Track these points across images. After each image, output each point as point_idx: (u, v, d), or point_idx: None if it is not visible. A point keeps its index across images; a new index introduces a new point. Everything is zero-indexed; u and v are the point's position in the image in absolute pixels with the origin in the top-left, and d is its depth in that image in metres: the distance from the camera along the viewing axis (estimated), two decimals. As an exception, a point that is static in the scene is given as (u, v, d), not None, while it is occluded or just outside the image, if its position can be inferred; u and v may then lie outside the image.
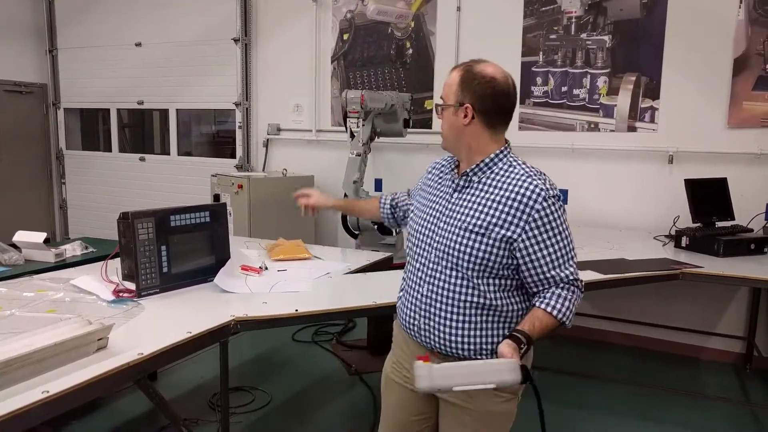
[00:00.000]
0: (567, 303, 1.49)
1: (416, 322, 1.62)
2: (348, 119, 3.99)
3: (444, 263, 1.55)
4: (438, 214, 1.60)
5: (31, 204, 6.42)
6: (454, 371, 1.37)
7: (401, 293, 1.73)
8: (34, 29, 6.31)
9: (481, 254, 1.49)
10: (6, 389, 1.34)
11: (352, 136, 4.07)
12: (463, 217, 1.53)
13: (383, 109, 4.05)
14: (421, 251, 1.62)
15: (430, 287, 1.58)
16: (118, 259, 2.30)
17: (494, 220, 1.49)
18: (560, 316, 1.48)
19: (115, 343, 1.65)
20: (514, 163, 1.56)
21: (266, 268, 2.63)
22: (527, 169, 1.53)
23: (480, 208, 1.52)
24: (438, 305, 1.56)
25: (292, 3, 5.17)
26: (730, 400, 3.42)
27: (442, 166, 1.72)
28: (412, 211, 1.74)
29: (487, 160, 1.56)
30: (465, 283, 1.52)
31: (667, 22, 3.90)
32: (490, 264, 1.50)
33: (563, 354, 4.09)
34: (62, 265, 2.84)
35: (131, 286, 2.19)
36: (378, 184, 4.93)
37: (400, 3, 4.75)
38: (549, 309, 1.48)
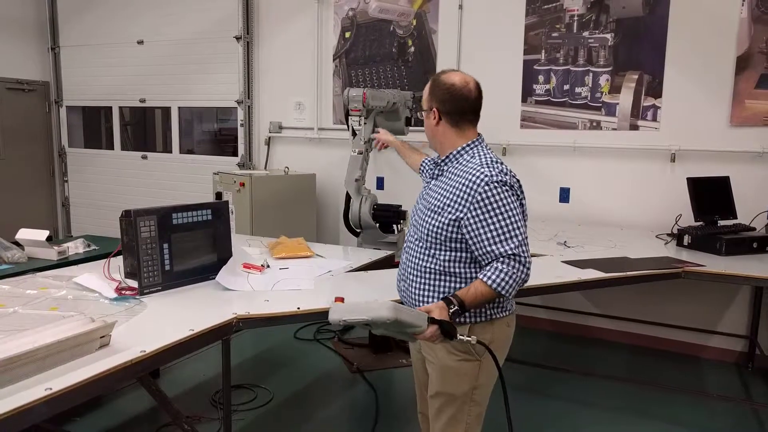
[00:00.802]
0: (502, 275, 1.68)
1: (399, 285, 1.97)
2: (350, 117, 3.99)
3: (415, 237, 1.88)
4: (420, 199, 1.95)
5: (34, 202, 6.44)
6: (345, 308, 1.63)
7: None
8: (36, 27, 6.32)
9: (435, 229, 1.78)
10: (9, 386, 1.35)
11: (354, 134, 4.07)
12: (431, 200, 1.84)
13: (385, 107, 4.05)
14: (411, 229, 1.95)
15: (407, 257, 1.91)
16: (121, 256, 2.30)
17: (448, 202, 1.77)
18: (494, 285, 1.67)
19: (117, 340, 1.65)
20: (478, 155, 1.82)
21: (268, 266, 2.64)
22: (484, 159, 1.79)
23: (442, 192, 1.82)
24: (410, 270, 1.88)
25: (294, 1, 5.17)
26: (733, 398, 3.42)
27: (431, 160, 2.10)
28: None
29: (454, 152, 1.86)
30: (427, 252, 1.82)
31: (669, 20, 3.90)
32: (441, 238, 1.77)
33: (565, 352, 4.09)
34: (65, 262, 2.86)
35: (134, 283, 2.20)
36: (380, 182, 4.93)
37: (402, 1, 4.75)
38: (485, 279, 1.69)
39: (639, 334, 4.19)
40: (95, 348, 1.58)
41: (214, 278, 2.34)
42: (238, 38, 5.34)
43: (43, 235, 2.95)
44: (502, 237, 1.69)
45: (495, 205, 1.69)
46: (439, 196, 1.81)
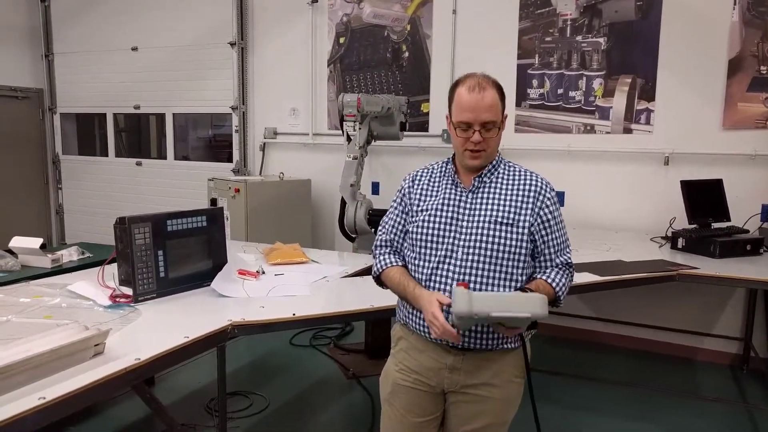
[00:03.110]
0: (564, 280, 1.70)
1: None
2: (345, 123, 4.00)
3: (474, 252, 1.64)
4: (458, 213, 1.69)
5: (27, 209, 6.40)
6: (491, 299, 1.45)
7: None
8: (30, 34, 6.30)
9: (508, 242, 1.64)
10: (2, 396, 1.34)
11: (349, 139, 4.07)
12: (492, 212, 1.66)
13: (380, 112, 4.06)
14: (446, 248, 1.67)
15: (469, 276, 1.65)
16: (115, 264, 2.30)
17: (516, 211, 1.66)
18: (558, 289, 1.67)
19: (111, 348, 1.64)
20: (509, 161, 1.77)
21: (263, 273, 2.64)
22: (519, 165, 1.76)
23: (502, 202, 1.67)
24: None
25: (288, 7, 5.18)
26: (727, 400, 3.43)
27: (425, 175, 1.81)
28: (422, 220, 1.73)
29: (496, 160, 1.73)
30: (500, 269, 1.65)
31: (662, 24, 3.92)
32: (518, 248, 1.65)
33: (560, 356, 4.09)
34: (59, 270, 2.84)
35: (128, 291, 2.19)
36: (375, 187, 4.93)
37: (396, 6, 4.77)
38: (551, 282, 1.66)
39: (634, 337, 4.20)
40: (89, 356, 1.57)
41: (209, 285, 2.33)
42: (232, 44, 5.35)
43: (36, 242, 2.94)
44: (563, 245, 1.72)
45: (557, 212, 1.71)
46: (500, 208, 1.66)
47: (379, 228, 1.86)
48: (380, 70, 4.88)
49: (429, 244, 1.69)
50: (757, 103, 3.74)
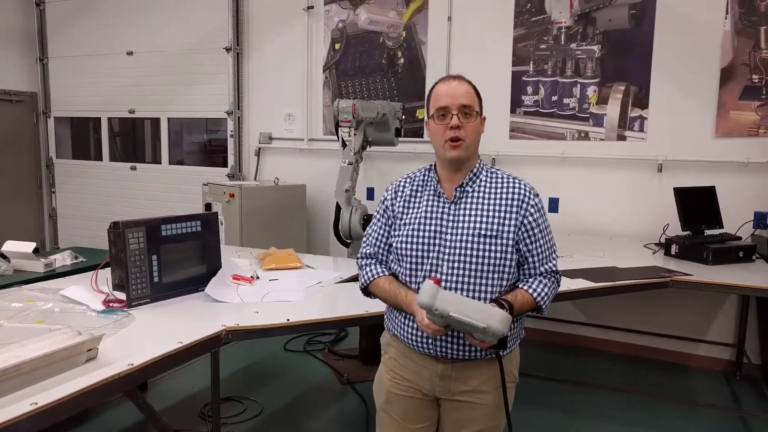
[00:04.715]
0: (547, 289, 1.68)
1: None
2: (340, 128, 4.00)
3: (459, 266, 1.63)
4: (440, 224, 1.67)
5: (21, 213, 6.37)
6: (455, 301, 1.48)
7: (405, 315, 1.70)
8: (25, 37, 6.29)
9: (493, 255, 1.62)
10: (-6, 401, 1.33)
11: (344, 145, 4.08)
12: (476, 225, 1.64)
13: (375, 118, 4.07)
14: (431, 263, 1.65)
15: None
16: (109, 268, 2.29)
17: (501, 221, 1.63)
18: (539, 299, 1.65)
19: (105, 353, 1.64)
20: (490, 167, 1.75)
21: (258, 278, 2.63)
22: (502, 170, 1.74)
23: (485, 212, 1.65)
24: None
25: (284, 12, 5.19)
26: (721, 407, 3.44)
27: (408, 185, 1.76)
28: (405, 234, 1.70)
29: (477, 166, 1.71)
30: (483, 282, 1.63)
31: (655, 33, 3.95)
32: (503, 261, 1.63)
33: (554, 361, 4.10)
34: (52, 275, 2.83)
35: (122, 296, 2.18)
36: (370, 193, 4.93)
37: (392, 13, 4.79)
38: (531, 292, 1.65)
39: (628, 343, 4.21)
40: (82, 361, 1.57)
41: (203, 290, 2.33)
42: (228, 49, 5.35)
43: (29, 247, 2.92)
44: (548, 253, 1.70)
45: (542, 219, 1.69)
46: (483, 219, 1.64)
47: (363, 240, 1.85)
48: (376, 76, 4.89)
49: (414, 260, 1.67)
50: (749, 111, 3.77)
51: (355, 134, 4.00)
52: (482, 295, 1.62)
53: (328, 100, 5.07)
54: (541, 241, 1.68)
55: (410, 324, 1.69)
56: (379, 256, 1.80)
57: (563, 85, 4.26)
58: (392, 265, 1.77)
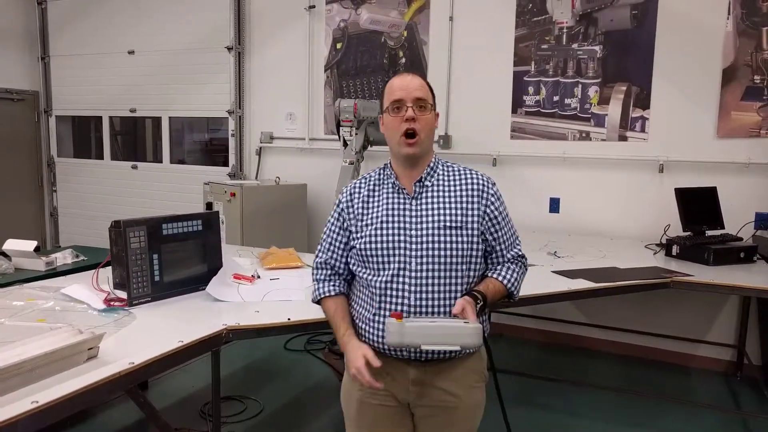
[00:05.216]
0: (516, 275, 1.71)
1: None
2: (341, 128, 4.01)
3: (427, 260, 1.60)
4: (401, 220, 1.65)
5: (22, 212, 6.38)
6: (423, 331, 1.47)
7: (375, 319, 1.64)
8: (27, 36, 6.30)
9: (459, 246, 1.61)
10: (-5, 400, 1.33)
11: (345, 144, 4.08)
12: (439, 217, 1.63)
13: (376, 117, 4.05)
14: (399, 261, 1.61)
15: (419, 288, 1.60)
16: (110, 267, 2.29)
17: (463, 212, 1.64)
18: (510, 285, 1.68)
19: (105, 352, 1.64)
20: (446, 161, 1.75)
21: (259, 277, 2.63)
22: (457, 164, 1.74)
23: (446, 205, 1.64)
24: (428, 301, 1.61)
25: (285, 12, 5.19)
26: (721, 407, 3.44)
27: (364, 186, 1.73)
28: (369, 234, 1.65)
29: (433, 161, 1.71)
30: (448, 275, 1.61)
31: (656, 33, 3.95)
32: (470, 252, 1.63)
33: (554, 362, 4.10)
34: (52, 273, 2.83)
35: (122, 294, 2.18)
36: (371, 193, 4.92)
37: (393, 12, 4.79)
38: (502, 279, 1.68)
39: (628, 344, 4.21)
40: (83, 360, 1.57)
41: (204, 289, 2.33)
42: (229, 49, 5.35)
43: (30, 245, 2.92)
44: (513, 238, 1.73)
45: (503, 207, 1.70)
46: (446, 212, 1.63)
47: (317, 248, 1.80)
48: (377, 75, 4.89)
49: (380, 259, 1.63)
50: (751, 112, 3.76)
51: (356, 134, 4.00)
52: (455, 287, 1.60)
53: (330, 99, 5.07)
54: (505, 229, 1.70)
55: (379, 329, 1.62)
56: (334, 263, 1.75)
57: (565, 85, 4.25)
58: (355, 268, 1.71)
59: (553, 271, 2.97)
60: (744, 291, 2.99)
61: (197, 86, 5.60)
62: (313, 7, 5.05)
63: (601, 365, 4.05)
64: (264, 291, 2.42)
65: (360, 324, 1.70)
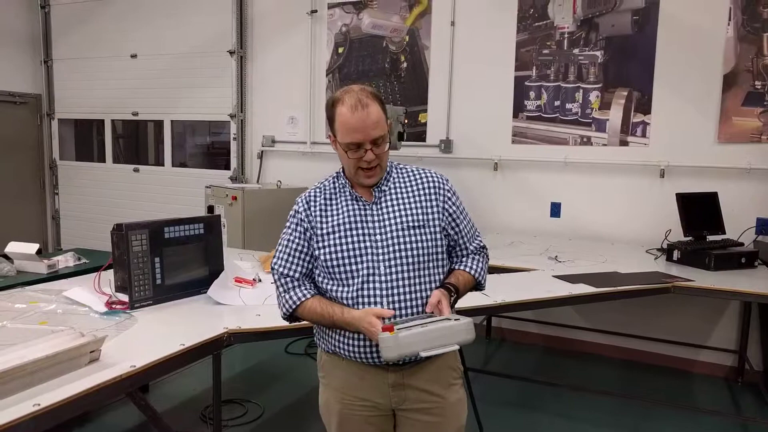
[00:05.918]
0: (482, 265, 1.76)
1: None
2: (342, 132, 4.00)
3: (396, 263, 1.60)
4: (364, 227, 1.63)
5: (24, 214, 6.39)
6: (417, 337, 1.45)
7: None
8: (30, 40, 6.32)
9: (425, 244, 1.63)
10: (-3, 402, 1.34)
11: (347, 148, 4.08)
12: (402, 219, 1.64)
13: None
14: (367, 266, 1.60)
15: (390, 291, 1.59)
16: (111, 270, 2.30)
17: (424, 211, 1.66)
18: (478, 276, 1.73)
19: (107, 355, 1.64)
20: (399, 164, 1.77)
21: (260, 280, 2.64)
22: (410, 165, 1.77)
23: (406, 207, 1.66)
24: (402, 300, 1.60)
25: (287, 16, 5.21)
26: (722, 413, 3.43)
27: (320, 194, 1.72)
28: (332, 243, 1.63)
29: (389, 167, 1.71)
30: (417, 274, 1.62)
31: (657, 39, 3.96)
32: (436, 249, 1.65)
33: (555, 366, 4.09)
34: (54, 276, 2.84)
35: (124, 297, 2.19)
36: (372, 197, 4.93)
37: (395, 17, 4.80)
38: (470, 271, 1.72)
39: (629, 349, 4.20)
40: (85, 363, 1.57)
41: (205, 292, 2.34)
42: (231, 53, 5.37)
43: (32, 248, 2.93)
44: (473, 231, 1.79)
45: (459, 202, 1.74)
46: (408, 212, 1.64)
47: (273, 260, 1.72)
48: (379, 80, 4.90)
49: (348, 267, 1.60)
50: (752, 117, 3.77)
51: (357, 138, 4.00)
52: (425, 286, 1.61)
53: (331, 103, 5.07)
54: (465, 222, 1.74)
55: (354, 338, 1.60)
56: (296, 274, 1.67)
57: (566, 90, 4.26)
58: (319, 278, 1.67)
59: (554, 276, 2.97)
60: (745, 296, 2.99)
61: (199, 90, 5.62)
62: (315, 11, 5.07)
63: (601, 370, 4.05)
64: (265, 294, 2.43)
65: (326, 338, 1.69)
